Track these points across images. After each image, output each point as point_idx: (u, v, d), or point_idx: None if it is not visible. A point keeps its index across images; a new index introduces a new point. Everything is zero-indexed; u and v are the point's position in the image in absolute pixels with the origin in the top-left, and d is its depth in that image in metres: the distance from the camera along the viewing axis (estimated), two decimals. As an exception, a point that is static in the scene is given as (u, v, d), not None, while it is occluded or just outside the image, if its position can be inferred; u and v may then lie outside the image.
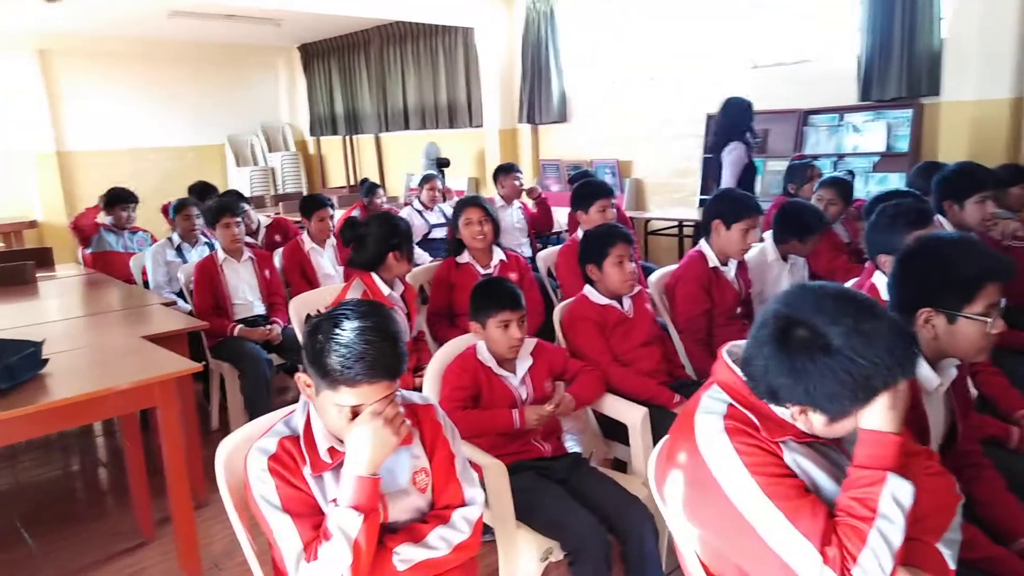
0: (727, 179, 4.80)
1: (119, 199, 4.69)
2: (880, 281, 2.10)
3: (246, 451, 1.46)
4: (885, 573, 1.08)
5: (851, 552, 1.09)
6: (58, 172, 8.93)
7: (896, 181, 5.21)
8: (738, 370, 1.29)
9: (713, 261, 2.87)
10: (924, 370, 1.56)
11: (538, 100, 7.57)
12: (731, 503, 1.16)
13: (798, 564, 1.10)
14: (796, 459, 1.19)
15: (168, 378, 2.38)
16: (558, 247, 3.81)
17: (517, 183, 5.27)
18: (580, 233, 3.55)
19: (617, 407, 2.36)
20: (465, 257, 3.36)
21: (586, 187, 3.55)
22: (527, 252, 5.17)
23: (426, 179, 5.72)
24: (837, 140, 5.55)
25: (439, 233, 5.56)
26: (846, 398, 1.13)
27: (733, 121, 4.91)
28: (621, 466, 2.57)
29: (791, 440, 1.20)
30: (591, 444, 2.60)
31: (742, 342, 1.32)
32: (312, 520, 1.37)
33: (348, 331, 1.33)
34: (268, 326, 3.72)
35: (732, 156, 4.81)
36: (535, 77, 7.53)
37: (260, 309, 3.86)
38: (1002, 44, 4.57)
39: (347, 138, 10.34)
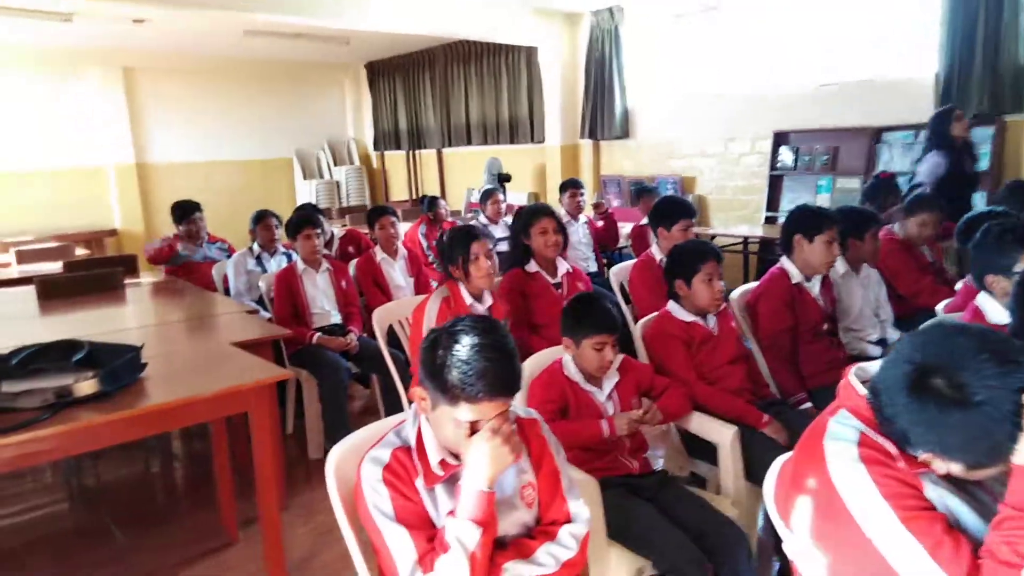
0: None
1: (187, 211, 4.80)
2: (987, 303, 2.04)
3: (356, 459, 1.50)
4: None
5: None
6: (136, 183, 9.31)
7: (978, 200, 5.05)
8: (872, 397, 1.25)
9: (796, 277, 2.82)
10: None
11: (600, 116, 7.59)
12: (865, 536, 1.13)
13: None
14: (940, 493, 1.15)
15: (261, 384, 2.44)
16: (631, 262, 3.80)
17: (578, 199, 5.29)
18: (655, 249, 3.54)
19: (705, 425, 2.34)
20: (534, 266, 3.35)
21: (670, 205, 3.53)
22: (592, 267, 5.17)
23: (489, 193, 5.78)
24: (912, 157, 5.40)
25: (503, 247, 5.59)
26: (984, 453, 1.08)
27: (933, 130, 4.63)
28: (700, 483, 2.54)
29: (933, 472, 1.16)
30: (674, 461, 2.58)
31: (868, 364, 1.30)
32: (425, 532, 1.38)
33: (468, 347, 1.35)
34: (346, 336, 3.80)
35: (925, 167, 4.59)
36: (598, 94, 7.56)
37: (337, 318, 3.95)
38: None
39: (410, 153, 10.53)
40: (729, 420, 2.37)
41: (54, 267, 5.13)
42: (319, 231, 3.92)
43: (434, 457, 1.43)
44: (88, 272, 4.28)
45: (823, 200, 5.94)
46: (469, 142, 9.37)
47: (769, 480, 1.46)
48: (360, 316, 4.03)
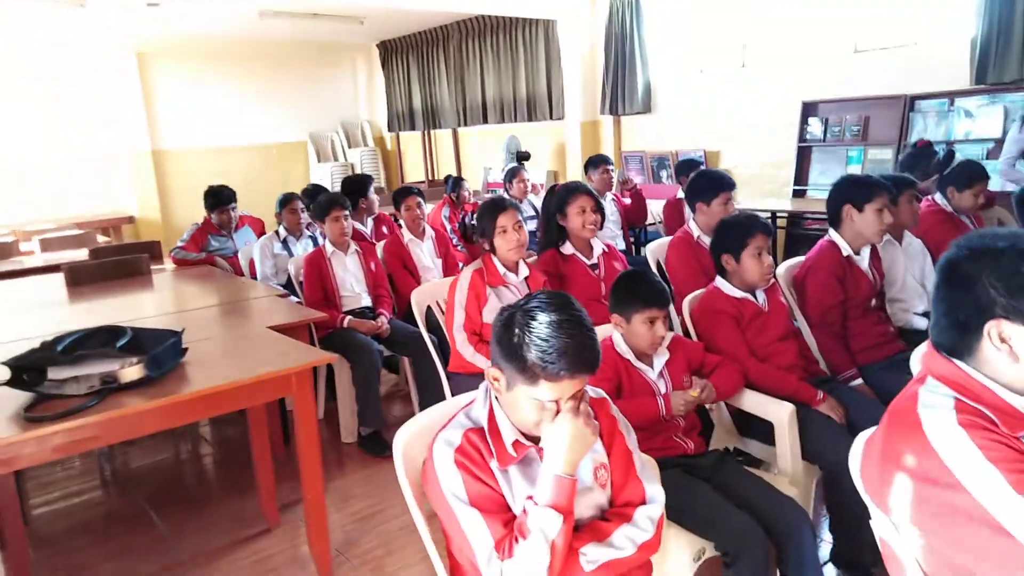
0: (1002, 158, 4.64)
1: (222, 200, 4.71)
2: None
3: (423, 442, 1.45)
4: None
5: None
6: (153, 170, 9.26)
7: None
8: (959, 362, 1.20)
9: (847, 250, 2.74)
10: None
11: (621, 91, 7.47)
12: (976, 500, 1.08)
13: None
14: None
15: (305, 368, 2.40)
16: (666, 239, 3.72)
17: (608, 175, 5.20)
18: (692, 225, 3.46)
19: (760, 403, 2.28)
20: (569, 248, 3.25)
21: (708, 179, 3.42)
22: (621, 244, 5.09)
23: (514, 172, 5.70)
24: (947, 126, 5.29)
25: (530, 226, 5.53)
26: None
27: None
28: (753, 463, 2.49)
29: None
30: (724, 440, 2.52)
31: None
32: (501, 516, 1.35)
33: (546, 324, 1.31)
34: (376, 319, 3.76)
35: (1011, 135, 4.62)
36: (619, 68, 7.43)
37: (367, 301, 3.90)
38: None
39: (425, 133, 10.43)
40: (782, 398, 2.31)
41: (78, 255, 5.12)
42: (347, 213, 3.86)
43: (508, 438, 1.39)
44: (116, 258, 4.25)
45: (854, 171, 5.81)
46: (485, 120, 9.26)
47: (854, 460, 1.40)
48: (390, 298, 3.98)
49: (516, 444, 1.39)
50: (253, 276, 4.39)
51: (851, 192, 2.71)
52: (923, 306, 3.12)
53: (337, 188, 9.57)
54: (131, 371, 2.18)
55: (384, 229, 4.88)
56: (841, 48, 5.87)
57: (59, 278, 4.10)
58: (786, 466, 2.20)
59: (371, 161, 10.83)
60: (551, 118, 8.31)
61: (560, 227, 3.22)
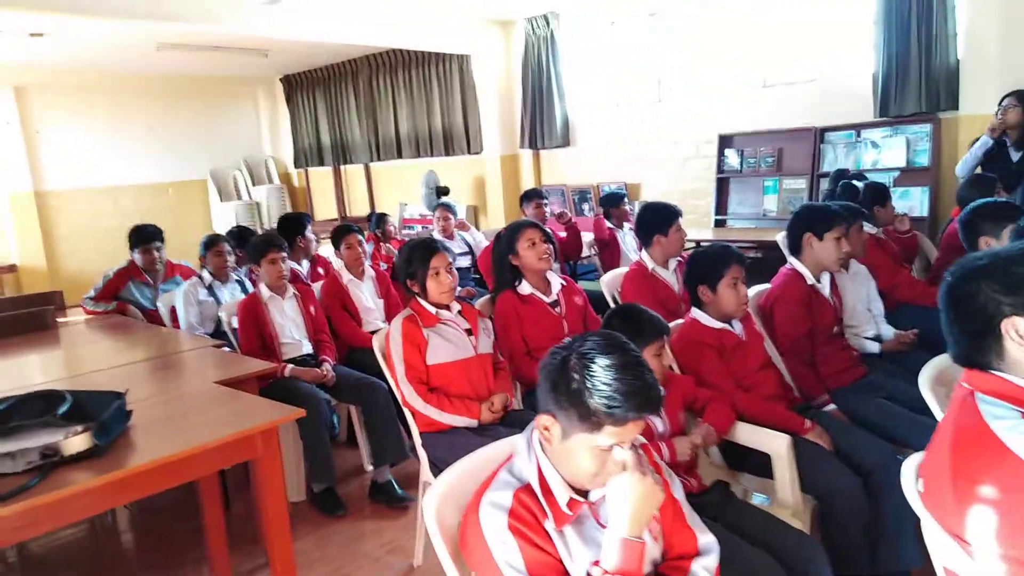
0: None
1: (144, 237, 4.30)
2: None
3: (455, 502, 1.32)
4: None
5: None
6: (36, 213, 8.54)
7: (919, 194, 5.29)
8: (1007, 376, 1.24)
9: (810, 279, 2.80)
10: None
11: (540, 125, 7.55)
12: None
13: None
14: None
15: (271, 427, 2.19)
16: (621, 271, 3.71)
17: (543, 209, 5.19)
18: (646, 257, 3.47)
19: (756, 436, 2.26)
20: (526, 287, 3.15)
21: (658, 212, 3.46)
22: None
23: (442, 207, 5.59)
24: (855, 156, 5.62)
25: (463, 262, 5.43)
26: None
27: None
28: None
29: None
30: (713, 475, 2.48)
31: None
32: None
33: (607, 368, 1.23)
34: (320, 366, 3.53)
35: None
36: (536, 102, 7.51)
37: (308, 348, 3.66)
38: (1020, 56, 4.68)
39: (335, 168, 10.16)
40: (771, 428, 2.29)
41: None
42: (285, 254, 3.63)
43: (562, 496, 1.28)
44: (15, 312, 3.81)
45: (771, 201, 6.09)
46: (400, 155, 9.12)
47: (910, 489, 1.37)
48: (332, 344, 3.76)
49: (571, 503, 1.28)
50: (175, 326, 4.05)
51: (812, 221, 2.78)
52: (872, 330, 3.23)
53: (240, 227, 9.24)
54: (76, 441, 1.90)
55: (320, 270, 4.65)
56: (752, 82, 6.16)
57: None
58: (786, 498, 2.17)
59: (278, 199, 10.43)
60: (469, 152, 8.27)
61: (513, 267, 3.11)
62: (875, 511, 2.20)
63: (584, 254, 5.44)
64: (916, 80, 5.12)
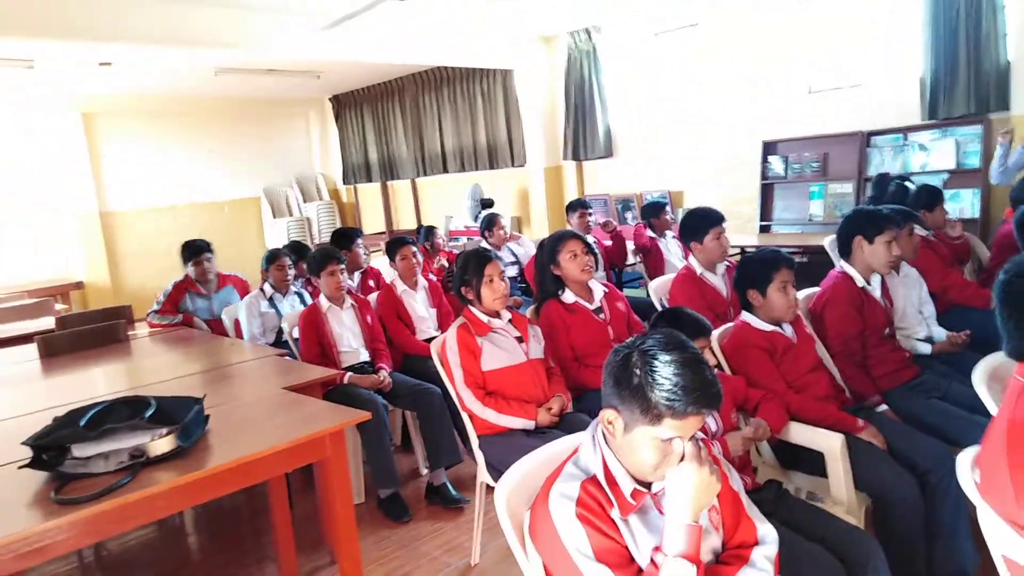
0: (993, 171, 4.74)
1: (195, 250, 4.62)
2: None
3: (524, 495, 1.40)
4: None
5: None
6: (101, 232, 8.95)
7: (970, 196, 5.22)
8: None
9: (861, 281, 2.82)
10: None
11: (583, 137, 7.63)
12: None
13: None
14: None
15: (338, 429, 2.31)
16: (670, 276, 3.76)
17: (587, 219, 5.27)
18: (694, 262, 3.51)
19: (809, 435, 2.29)
20: (570, 296, 3.22)
21: (696, 217, 3.51)
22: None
23: (493, 220, 5.71)
24: (903, 160, 5.56)
25: (511, 272, 5.53)
26: None
27: None
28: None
29: None
30: (767, 475, 2.51)
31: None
32: (629, 570, 1.31)
33: (668, 363, 1.30)
34: (377, 373, 3.66)
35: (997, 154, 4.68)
36: (579, 114, 7.60)
37: (365, 356, 3.80)
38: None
39: (383, 184, 10.40)
40: (824, 428, 2.32)
41: (40, 324, 4.84)
42: (342, 267, 3.78)
43: (626, 486, 1.36)
44: (92, 326, 4.03)
45: (816, 206, 6.06)
46: (445, 170, 9.29)
47: (967, 483, 1.41)
48: (387, 351, 3.89)
49: (635, 493, 1.35)
50: (239, 336, 4.24)
51: (863, 224, 2.80)
52: (924, 332, 3.22)
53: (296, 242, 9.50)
54: (162, 443, 2.04)
55: (371, 283, 4.80)
56: (796, 89, 6.16)
57: (25, 351, 3.87)
58: (841, 496, 2.20)
59: (327, 215, 10.72)
60: (513, 165, 8.39)
61: (555, 277, 3.18)
62: (931, 511, 2.21)
63: (629, 262, 5.48)
64: (965, 81, 5.06)
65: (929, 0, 5.18)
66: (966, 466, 1.44)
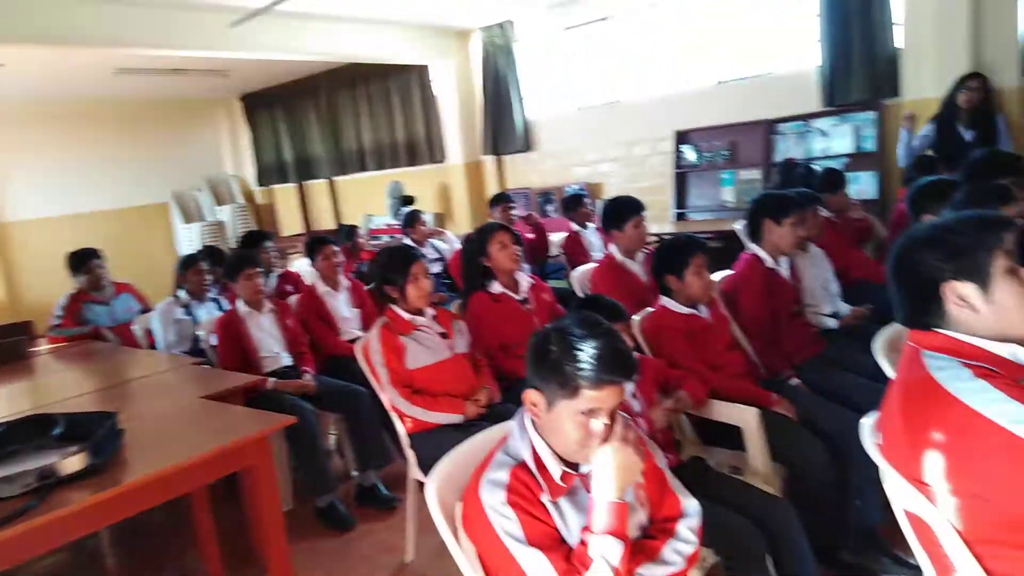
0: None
1: (85, 257, 4.38)
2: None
3: (454, 486, 1.41)
4: None
5: None
6: (-5, 245, 8.42)
7: (868, 179, 5.52)
8: (947, 332, 1.37)
9: (770, 262, 2.95)
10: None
11: (501, 131, 7.66)
12: (1015, 435, 1.18)
13: None
14: None
15: (262, 435, 2.25)
16: (591, 266, 3.83)
17: (510, 212, 5.30)
18: (614, 250, 3.59)
19: (727, 411, 2.38)
20: (497, 287, 3.26)
21: (617, 206, 3.59)
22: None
23: (414, 216, 5.67)
24: (806, 145, 5.83)
25: (435, 268, 5.51)
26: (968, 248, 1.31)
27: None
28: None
29: None
30: (689, 451, 2.60)
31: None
32: (560, 551, 1.33)
33: (581, 337, 1.35)
34: (301, 377, 3.58)
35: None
36: (496, 109, 7.63)
37: (287, 360, 3.71)
38: (956, 42, 4.91)
39: (299, 184, 10.17)
40: (742, 403, 2.42)
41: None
42: (260, 270, 3.68)
43: (555, 470, 1.39)
44: (-10, 343, 3.80)
45: (728, 193, 6.28)
46: (363, 168, 9.16)
47: (870, 444, 1.50)
48: (312, 355, 3.81)
49: (564, 475, 1.38)
50: (151, 346, 4.07)
51: (770, 208, 2.93)
52: (830, 308, 3.39)
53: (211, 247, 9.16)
54: (72, 462, 1.94)
55: (289, 287, 4.69)
56: (706, 80, 6.36)
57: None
58: (758, 467, 2.30)
59: (242, 217, 10.39)
60: (432, 161, 8.35)
61: (484, 269, 3.21)
62: (841, 475, 2.34)
63: (552, 254, 5.55)
64: (859, 69, 5.34)
65: (824, -9, 5.44)
66: (868, 430, 1.53)
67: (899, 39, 5.27)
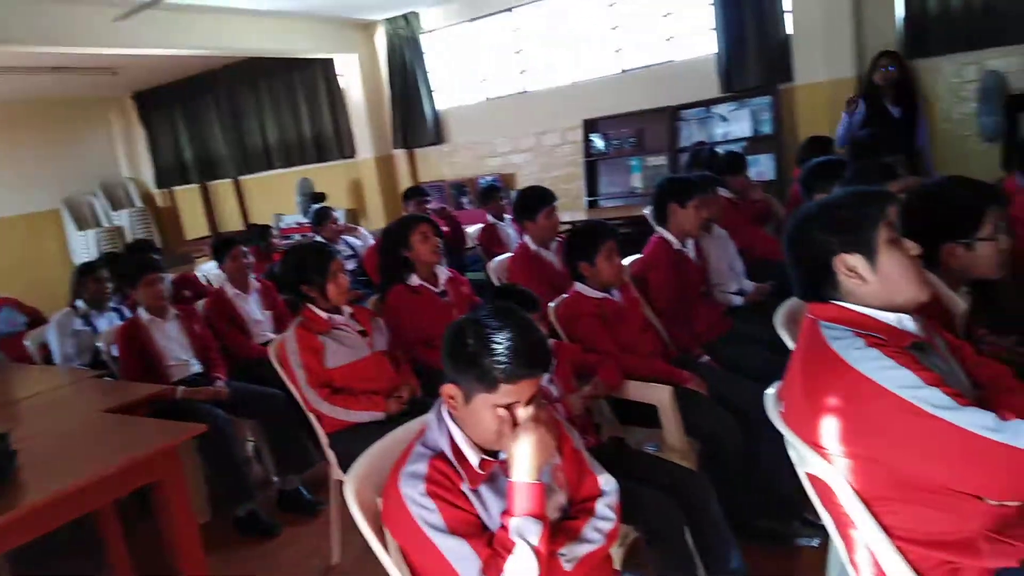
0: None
1: None
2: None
3: (373, 482, 1.39)
4: None
5: None
6: None
7: (767, 161, 5.76)
8: (842, 303, 1.44)
9: (677, 244, 3.04)
10: (955, 297, 1.78)
11: (411, 124, 7.59)
12: (903, 399, 1.26)
13: (976, 426, 1.21)
14: (929, 361, 1.36)
15: (169, 446, 2.17)
16: (506, 256, 3.85)
17: (425, 206, 5.26)
18: (528, 240, 3.62)
19: (642, 390, 2.45)
20: (415, 279, 3.24)
21: (530, 197, 3.61)
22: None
23: (325, 214, 5.55)
24: (708, 130, 6.04)
25: (349, 266, 5.41)
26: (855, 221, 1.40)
27: None
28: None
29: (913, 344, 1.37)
30: (608, 432, 2.65)
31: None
32: (483, 538, 1.34)
33: (498, 329, 1.34)
34: (213, 384, 3.46)
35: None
36: (405, 102, 7.54)
37: (197, 367, 3.57)
38: (842, 29, 5.19)
39: (202, 185, 9.77)
40: (655, 382, 2.49)
41: None
42: (162, 276, 3.53)
43: (473, 458, 1.39)
44: None
45: (636, 179, 6.43)
46: (270, 166, 8.89)
47: (773, 412, 1.57)
48: (223, 360, 3.68)
49: (483, 463, 1.39)
50: (46, 361, 3.84)
51: (673, 192, 3.02)
52: (736, 286, 3.53)
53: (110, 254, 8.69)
54: (-40, 488, 1.83)
55: (187, 293, 4.50)
56: (611, 69, 6.48)
57: None
58: (674, 442, 2.38)
59: (142, 222, 9.90)
60: (342, 157, 8.19)
61: (403, 260, 3.18)
62: (752, 445, 2.44)
63: (468, 246, 5.55)
64: (754, 56, 5.57)
65: (717, -20, 5.63)
66: (772, 399, 1.61)
67: (790, 25, 5.51)
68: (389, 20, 7.38)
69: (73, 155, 9.66)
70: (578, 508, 1.50)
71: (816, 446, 1.43)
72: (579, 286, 2.71)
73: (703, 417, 2.44)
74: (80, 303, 3.86)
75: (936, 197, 1.92)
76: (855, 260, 1.42)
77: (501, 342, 1.33)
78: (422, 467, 1.36)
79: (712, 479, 2.57)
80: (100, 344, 3.61)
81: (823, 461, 1.42)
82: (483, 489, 1.39)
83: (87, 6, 5.37)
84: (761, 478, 2.46)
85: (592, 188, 6.67)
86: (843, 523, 1.45)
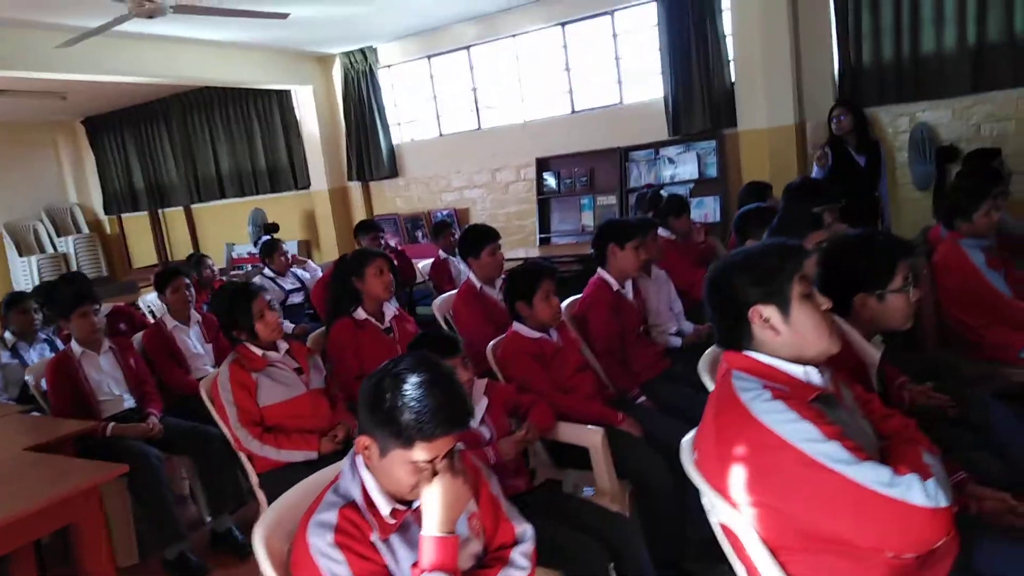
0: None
1: None
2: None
3: (284, 531, 1.38)
4: None
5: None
6: None
7: (712, 203, 5.91)
8: (753, 354, 1.48)
9: (616, 285, 3.09)
10: (869, 347, 1.85)
11: (366, 157, 7.61)
12: (802, 452, 1.30)
13: (871, 480, 1.25)
14: (834, 414, 1.40)
15: (90, 486, 2.11)
16: (451, 294, 3.86)
17: (378, 240, 5.26)
18: (473, 277, 3.64)
19: (574, 432, 2.46)
20: (362, 313, 3.21)
21: (473, 235, 3.65)
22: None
23: (273, 246, 5.50)
24: (656, 172, 6.18)
25: (296, 299, 5.37)
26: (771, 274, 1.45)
27: None
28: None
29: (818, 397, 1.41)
30: (543, 475, 2.66)
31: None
32: None
33: (416, 386, 1.33)
34: (146, 420, 3.37)
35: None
36: (361, 135, 7.57)
37: (130, 402, 3.48)
38: (782, 79, 5.39)
39: (151, 212, 9.60)
40: (589, 423, 2.52)
41: None
42: (96, 307, 3.45)
43: (384, 508, 1.38)
44: None
45: (587, 217, 6.53)
46: (223, 195, 8.80)
47: (687, 459, 1.60)
48: (158, 395, 3.59)
49: (395, 512, 1.38)
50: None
51: (613, 234, 3.08)
52: (674, 327, 3.59)
53: (48, 283, 8.46)
54: None
55: (122, 326, 4.39)
56: (563, 110, 6.61)
57: None
58: (605, 485, 2.39)
59: (88, 249, 9.68)
60: (296, 188, 8.15)
61: (353, 291, 3.16)
62: (680, 488, 2.47)
63: (418, 280, 5.55)
64: (700, 101, 5.75)
65: (664, 29, 5.80)
66: (688, 445, 1.64)
67: (734, 74, 5.71)
68: (346, 53, 7.43)
69: (17, 179, 9.43)
70: (492, 556, 1.50)
71: (725, 495, 1.46)
72: (517, 326, 2.73)
73: (634, 458, 2.47)
74: (7, 335, 3.75)
75: (851, 249, 1.99)
76: (769, 311, 1.46)
77: (419, 399, 1.31)
78: (332, 516, 1.34)
79: (643, 520, 2.61)
80: (28, 378, 3.50)
81: (732, 509, 1.46)
82: (394, 539, 1.38)
83: (35, 29, 5.30)
84: (690, 520, 2.49)
85: (544, 225, 6.75)
86: (753, 572, 1.48)
